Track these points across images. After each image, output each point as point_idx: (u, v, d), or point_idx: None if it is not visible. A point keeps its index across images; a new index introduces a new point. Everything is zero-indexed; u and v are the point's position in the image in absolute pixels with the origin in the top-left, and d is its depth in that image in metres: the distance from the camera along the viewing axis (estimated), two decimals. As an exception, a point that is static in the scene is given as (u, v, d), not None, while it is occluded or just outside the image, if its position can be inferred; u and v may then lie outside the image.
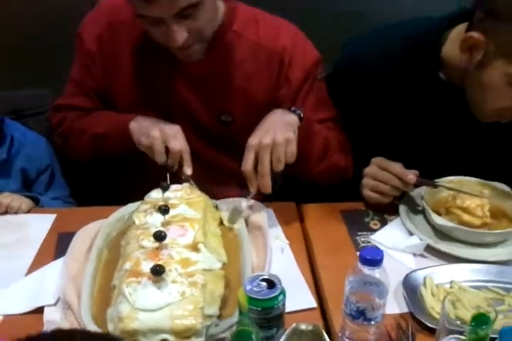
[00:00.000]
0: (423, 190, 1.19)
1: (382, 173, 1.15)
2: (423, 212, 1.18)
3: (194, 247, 0.92)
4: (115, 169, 1.32)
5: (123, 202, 1.13)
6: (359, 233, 1.16)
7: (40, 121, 1.41)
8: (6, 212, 1.18)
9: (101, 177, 1.37)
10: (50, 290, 0.95)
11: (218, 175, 1.28)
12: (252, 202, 1.10)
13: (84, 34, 1.23)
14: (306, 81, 1.22)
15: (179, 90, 1.21)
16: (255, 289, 0.79)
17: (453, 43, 1.10)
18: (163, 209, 0.95)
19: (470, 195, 1.15)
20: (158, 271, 0.82)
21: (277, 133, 1.01)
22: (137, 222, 0.99)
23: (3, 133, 1.28)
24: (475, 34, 1.01)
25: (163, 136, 1.08)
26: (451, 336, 0.77)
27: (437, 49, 1.13)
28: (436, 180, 1.19)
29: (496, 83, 1.04)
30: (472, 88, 1.11)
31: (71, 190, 1.41)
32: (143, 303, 0.82)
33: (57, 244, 1.09)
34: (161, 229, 0.93)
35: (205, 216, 1.03)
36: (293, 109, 1.11)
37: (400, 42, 1.17)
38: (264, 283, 0.80)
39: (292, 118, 1.09)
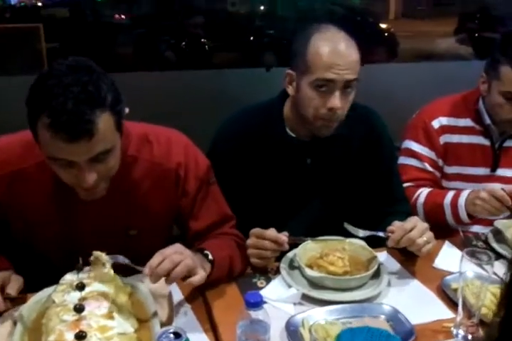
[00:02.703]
0: (297, 249, 1.45)
1: (260, 242, 1.39)
2: (299, 267, 1.43)
3: (109, 316, 1.09)
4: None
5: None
6: (248, 291, 1.37)
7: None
8: None
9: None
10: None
11: None
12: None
13: None
14: (200, 190, 1.38)
15: (86, 212, 1.30)
16: (164, 340, 0.98)
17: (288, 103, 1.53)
18: (80, 287, 1.11)
19: (333, 250, 1.44)
20: (81, 336, 0.98)
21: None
22: (56, 300, 1.13)
23: None
24: (289, 71, 1.47)
25: None
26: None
27: (281, 110, 1.55)
28: (306, 238, 1.46)
29: (307, 92, 1.44)
30: (300, 107, 1.48)
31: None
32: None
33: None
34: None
35: (116, 291, 1.20)
36: (205, 252, 1.28)
37: (252, 113, 1.59)
38: (171, 335, 0.99)
39: (206, 266, 1.25)
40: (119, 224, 1.35)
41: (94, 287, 1.17)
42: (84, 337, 0.99)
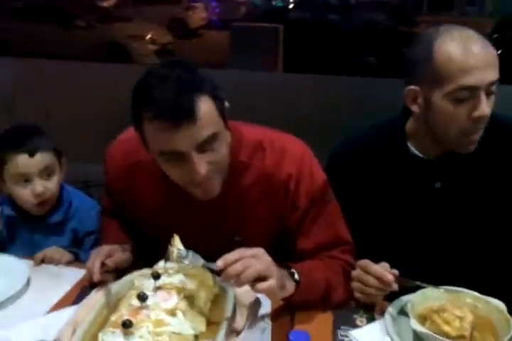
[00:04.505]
0: (415, 295, 1.24)
1: (365, 276, 1.22)
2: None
3: (172, 312, 1.07)
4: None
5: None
6: (342, 327, 1.23)
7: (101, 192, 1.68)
8: (49, 262, 1.42)
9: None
10: (54, 329, 1.14)
11: None
12: None
13: (107, 168, 1.39)
14: (312, 206, 1.28)
15: (195, 213, 1.31)
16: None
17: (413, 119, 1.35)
18: (154, 276, 1.12)
19: (454, 306, 1.19)
20: (126, 325, 0.98)
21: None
22: (136, 284, 1.17)
23: (62, 199, 1.57)
24: (410, 87, 1.26)
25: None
26: None
27: (402, 125, 1.36)
28: (424, 284, 1.24)
29: (444, 107, 1.21)
30: (434, 126, 1.27)
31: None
32: (110, 350, 0.97)
33: (77, 295, 1.30)
34: (150, 292, 1.10)
35: (197, 289, 1.17)
36: (292, 271, 1.19)
37: (371, 131, 1.43)
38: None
39: (289, 284, 1.16)
40: (225, 228, 1.32)
41: (174, 279, 1.17)
42: (129, 325, 0.98)
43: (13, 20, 8.03)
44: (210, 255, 1.12)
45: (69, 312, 1.21)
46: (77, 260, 1.47)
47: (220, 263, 1.08)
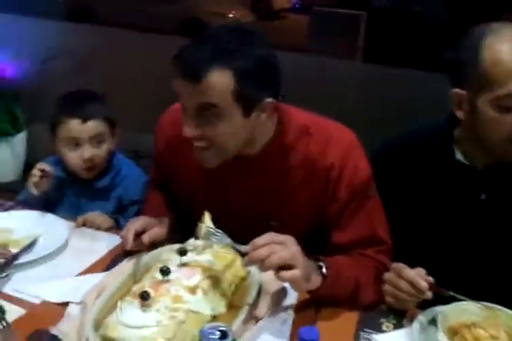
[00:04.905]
0: (448, 306, 1.18)
1: (397, 280, 1.16)
2: (439, 326, 1.16)
3: (192, 290, 1.07)
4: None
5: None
6: (366, 329, 1.18)
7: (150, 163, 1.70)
8: (90, 226, 1.46)
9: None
10: (82, 292, 1.17)
11: None
12: None
13: (157, 138, 1.41)
14: (353, 199, 1.24)
15: (236, 194, 1.30)
16: (210, 336, 0.91)
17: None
18: (180, 252, 1.12)
19: (490, 324, 1.12)
20: (143, 296, 0.99)
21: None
22: (164, 256, 1.17)
23: (112, 165, 1.60)
24: (456, 90, 1.17)
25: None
26: None
27: (451, 128, 1.27)
28: (461, 296, 1.17)
29: (489, 113, 1.13)
30: (479, 132, 1.19)
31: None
32: (126, 319, 0.99)
33: (110, 262, 1.32)
34: (175, 267, 1.10)
35: (223, 271, 1.16)
36: (320, 264, 1.15)
37: (419, 131, 1.37)
38: (218, 333, 0.91)
39: (315, 277, 1.13)
40: (263, 211, 1.30)
41: (201, 257, 1.16)
42: (146, 298, 0.99)
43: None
44: (243, 238, 1.11)
45: (98, 277, 1.24)
46: (118, 227, 1.50)
47: (249, 247, 1.07)
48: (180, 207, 1.45)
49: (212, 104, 1.10)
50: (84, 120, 1.50)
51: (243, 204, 1.31)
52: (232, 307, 1.13)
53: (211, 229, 1.12)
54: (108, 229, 1.47)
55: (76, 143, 1.53)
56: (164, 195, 1.49)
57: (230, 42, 1.09)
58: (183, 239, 1.27)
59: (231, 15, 8.38)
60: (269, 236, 1.08)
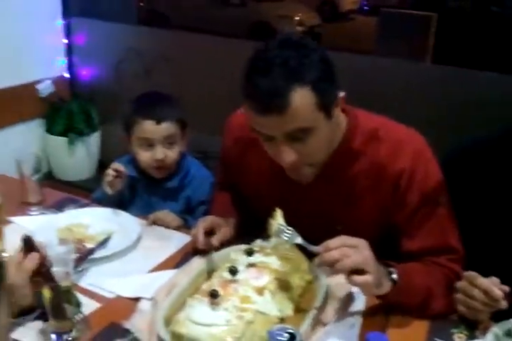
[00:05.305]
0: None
1: (470, 288, 1.12)
2: (516, 339, 1.11)
3: (260, 291, 1.07)
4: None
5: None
6: (436, 339, 1.14)
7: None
8: (160, 224, 1.50)
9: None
10: (153, 288, 1.20)
11: None
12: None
13: (224, 139, 1.43)
14: (423, 206, 1.21)
15: (303, 198, 1.29)
16: (278, 337, 0.91)
17: None
18: (248, 252, 1.13)
19: None
20: (212, 295, 1.01)
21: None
22: (232, 256, 1.19)
23: (182, 166, 1.64)
24: None
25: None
26: None
27: None
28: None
29: None
30: None
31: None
32: (195, 316, 1.01)
33: (180, 259, 1.35)
34: (243, 267, 1.11)
35: (290, 273, 1.16)
36: (390, 269, 1.13)
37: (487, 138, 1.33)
38: (286, 335, 0.91)
39: (386, 283, 1.10)
40: (329, 216, 1.29)
41: (268, 259, 1.17)
42: (215, 296, 1.01)
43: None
44: (308, 240, 1.11)
45: (169, 274, 1.27)
46: (186, 226, 1.53)
47: (321, 247, 1.06)
48: (247, 208, 1.47)
49: (304, 128, 1.08)
50: (158, 121, 1.55)
51: (310, 209, 1.31)
52: (299, 310, 1.13)
53: (282, 227, 1.11)
54: (177, 228, 1.51)
55: (149, 143, 1.57)
56: (230, 195, 1.51)
57: (292, 59, 1.05)
58: (249, 240, 1.28)
59: (297, 18, 8.40)
60: (341, 239, 1.07)
